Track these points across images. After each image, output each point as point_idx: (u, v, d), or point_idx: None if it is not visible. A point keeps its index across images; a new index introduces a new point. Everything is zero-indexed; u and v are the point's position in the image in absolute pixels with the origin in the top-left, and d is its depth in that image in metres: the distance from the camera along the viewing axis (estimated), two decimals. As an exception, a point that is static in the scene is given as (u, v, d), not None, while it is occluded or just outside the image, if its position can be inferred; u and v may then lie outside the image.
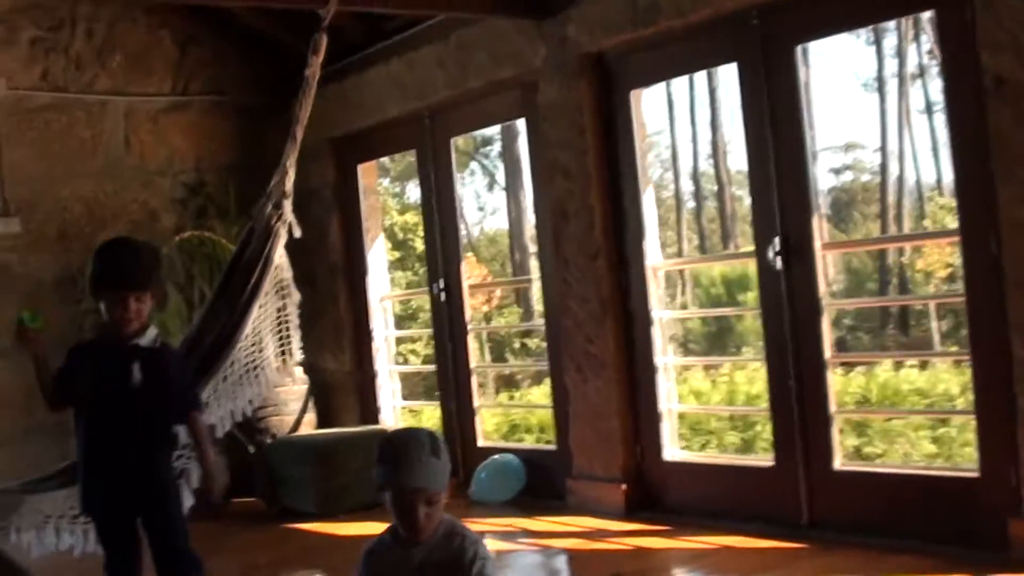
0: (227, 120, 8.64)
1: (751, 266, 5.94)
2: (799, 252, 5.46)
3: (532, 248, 20.77)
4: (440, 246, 7.63)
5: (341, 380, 8.42)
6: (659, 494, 6.26)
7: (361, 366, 8.35)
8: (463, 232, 7.68)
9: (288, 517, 6.97)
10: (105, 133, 8.21)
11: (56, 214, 7.97)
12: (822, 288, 5.50)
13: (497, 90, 7.02)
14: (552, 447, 7.18)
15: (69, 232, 7.99)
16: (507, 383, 16.30)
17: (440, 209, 7.60)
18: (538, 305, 17.23)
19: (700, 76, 18.64)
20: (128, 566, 4.26)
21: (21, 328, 4.07)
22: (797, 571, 4.74)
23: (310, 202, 7.99)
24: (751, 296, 16.92)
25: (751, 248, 5.86)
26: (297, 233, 5.56)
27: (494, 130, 23.79)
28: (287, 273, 5.53)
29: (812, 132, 5.58)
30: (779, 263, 5.51)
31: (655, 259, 6.34)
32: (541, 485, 6.86)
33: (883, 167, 25.03)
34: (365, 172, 8.39)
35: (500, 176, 24.21)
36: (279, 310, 5.52)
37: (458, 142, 8.20)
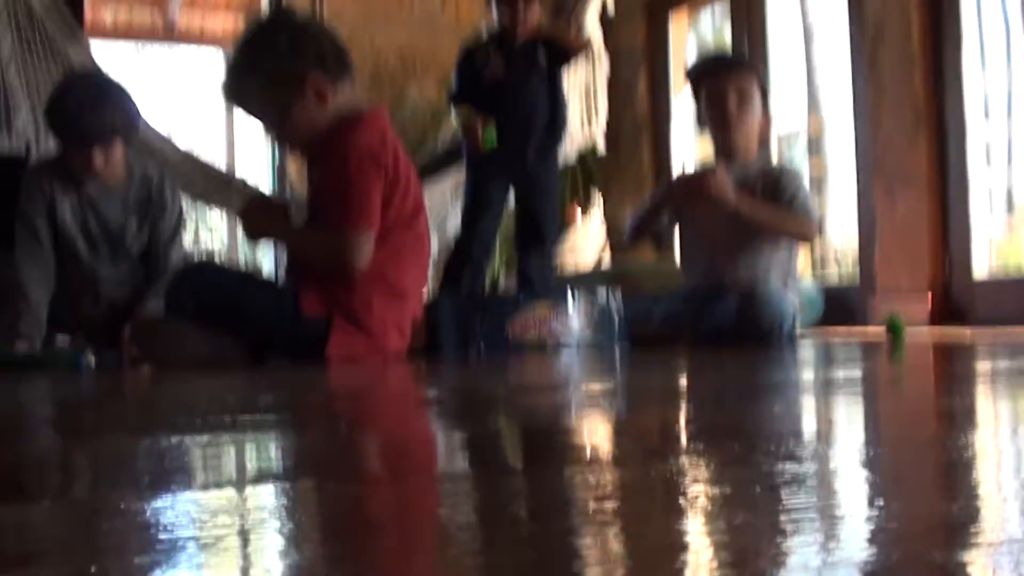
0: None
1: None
2: None
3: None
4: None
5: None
6: (966, 308, 6.03)
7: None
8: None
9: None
10: (421, -12, 8.51)
11: (370, 57, 8.19)
12: None
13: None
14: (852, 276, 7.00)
15: (382, 77, 8.25)
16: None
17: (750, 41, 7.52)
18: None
19: None
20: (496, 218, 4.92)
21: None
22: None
23: (618, 62, 8.05)
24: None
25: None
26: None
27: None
28: (596, 42, 5.62)
29: None
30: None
31: (972, 71, 6.11)
32: (839, 313, 6.67)
33: None
34: (675, 29, 8.39)
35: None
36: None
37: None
